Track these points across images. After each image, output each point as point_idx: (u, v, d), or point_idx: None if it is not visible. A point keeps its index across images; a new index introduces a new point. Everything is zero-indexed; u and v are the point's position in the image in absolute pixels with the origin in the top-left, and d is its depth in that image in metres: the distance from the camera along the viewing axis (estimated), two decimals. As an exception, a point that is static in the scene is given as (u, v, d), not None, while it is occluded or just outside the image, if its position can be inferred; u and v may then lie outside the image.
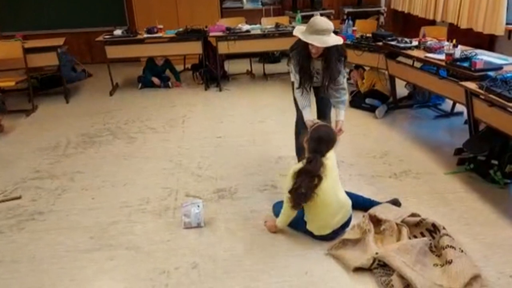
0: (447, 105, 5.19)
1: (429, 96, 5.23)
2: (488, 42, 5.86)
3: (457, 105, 4.83)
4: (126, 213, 3.28)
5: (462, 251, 2.54)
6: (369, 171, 3.73)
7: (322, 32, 2.99)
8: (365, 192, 3.36)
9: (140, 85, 6.46)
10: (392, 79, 5.11)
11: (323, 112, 3.57)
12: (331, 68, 3.20)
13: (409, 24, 7.92)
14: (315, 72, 3.33)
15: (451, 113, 4.91)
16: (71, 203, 3.44)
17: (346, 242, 2.70)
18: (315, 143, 2.69)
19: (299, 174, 2.65)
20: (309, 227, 2.81)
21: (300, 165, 2.73)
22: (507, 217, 3.01)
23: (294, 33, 3.14)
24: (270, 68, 7.24)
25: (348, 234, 2.74)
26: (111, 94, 6.26)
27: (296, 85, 3.33)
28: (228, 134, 4.69)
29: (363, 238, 2.67)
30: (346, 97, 3.44)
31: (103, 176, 3.85)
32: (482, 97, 3.36)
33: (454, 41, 4.02)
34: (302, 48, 3.17)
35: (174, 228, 3.07)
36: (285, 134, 4.52)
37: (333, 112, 3.48)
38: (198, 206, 3.05)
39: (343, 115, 3.41)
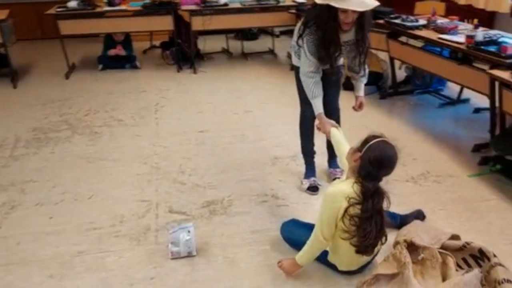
0: (448, 90, 4.74)
1: (431, 80, 4.74)
2: (488, 19, 5.42)
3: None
4: (94, 238, 2.62)
5: (521, 285, 2.08)
6: (382, 174, 3.21)
7: None
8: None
9: (101, 66, 5.63)
10: (392, 62, 4.58)
11: (332, 104, 2.95)
12: (366, 39, 2.59)
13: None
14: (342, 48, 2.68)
15: (458, 100, 4.44)
16: (23, 226, 2.73)
17: (380, 278, 2.17)
18: (376, 166, 2.01)
19: (363, 195, 2.03)
20: (332, 259, 2.26)
21: (349, 188, 2.04)
22: (554, 233, 2.58)
23: (318, 0, 2.44)
24: (249, 46, 6.56)
25: (382, 267, 2.21)
26: (67, 77, 5.42)
27: (309, 68, 2.63)
28: (211, 127, 4.03)
29: (401, 272, 2.15)
30: (368, 70, 2.86)
31: (63, 186, 3.14)
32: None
33: (475, 20, 3.50)
34: (326, 19, 2.46)
35: (159, 258, 2.44)
36: (277, 127, 3.97)
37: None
38: (189, 231, 2.43)
39: (363, 91, 2.88)
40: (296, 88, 2.94)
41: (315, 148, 3.15)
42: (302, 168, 3.24)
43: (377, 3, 2.44)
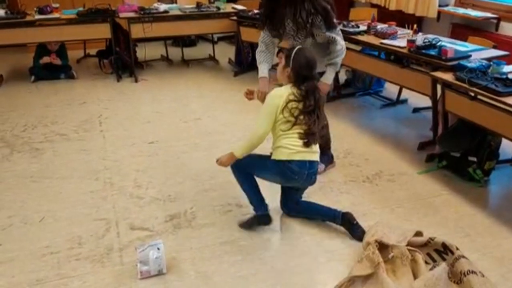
0: (386, 91, 4.98)
1: (370, 83, 4.96)
2: (416, 23, 5.77)
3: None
4: (53, 263, 2.43)
5: (483, 275, 2.22)
6: (339, 176, 3.30)
7: None
8: (345, 203, 2.93)
9: (33, 77, 5.26)
10: (335, 66, 4.72)
11: None
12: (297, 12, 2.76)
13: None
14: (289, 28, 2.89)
15: (397, 101, 4.68)
16: (-33, 256, 2.49)
17: (355, 280, 2.23)
18: (306, 69, 2.43)
19: (305, 92, 2.41)
20: (277, 155, 2.47)
21: (288, 89, 2.43)
22: (501, 221, 2.78)
23: None
24: (188, 52, 6.45)
25: (357, 269, 2.26)
26: (-4, 90, 5.03)
27: (261, 38, 2.97)
28: (161, 137, 3.91)
29: (375, 273, 2.21)
30: (338, 59, 2.95)
31: (8, 209, 2.89)
32: (457, 88, 3.10)
33: (415, 26, 3.71)
34: None
35: (127, 279, 2.32)
36: (229, 134, 3.95)
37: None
38: (158, 248, 2.34)
39: (330, 78, 2.98)
40: None
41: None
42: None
43: None
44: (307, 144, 2.44)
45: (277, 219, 2.82)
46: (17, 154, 3.62)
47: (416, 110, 4.49)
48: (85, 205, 2.95)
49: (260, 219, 2.67)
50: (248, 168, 2.60)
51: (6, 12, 4.87)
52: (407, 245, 2.39)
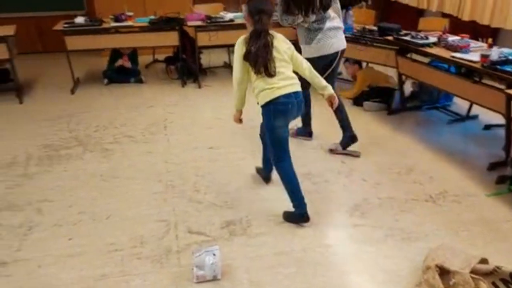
0: (456, 106, 4.77)
1: (438, 96, 4.77)
2: (491, 35, 5.48)
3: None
4: (117, 260, 2.56)
5: (554, 310, 2.07)
6: (399, 193, 3.21)
7: None
8: (405, 223, 2.85)
9: (106, 80, 5.60)
10: (400, 78, 4.60)
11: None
12: None
13: (394, 14, 7.47)
14: None
15: (467, 117, 4.47)
16: (42, 248, 2.67)
17: (413, 302, 2.16)
18: (257, 13, 2.61)
19: (250, 38, 2.61)
20: (263, 98, 2.69)
21: (245, 36, 2.66)
22: None
23: None
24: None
25: (415, 292, 2.19)
26: (72, 92, 5.37)
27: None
28: (221, 143, 4.01)
29: (434, 298, 2.13)
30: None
31: (79, 206, 3.09)
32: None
33: (490, 40, 3.53)
34: None
35: (184, 282, 2.40)
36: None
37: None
38: (214, 254, 2.40)
39: None
40: None
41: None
42: (317, 186, 3.25)
43: None
44: (279, 78, 2.63)
45: (332, 235, 2.79)
46: (89, 153, 3.85)
47: (487, 127, 4.26)
48: (148, 206, 3.09)
49: (297, 217, 2.85)
50: (275, 145, 2.80)
51: (85, 20, 5.21)
52: (471, 272, 2.27)
